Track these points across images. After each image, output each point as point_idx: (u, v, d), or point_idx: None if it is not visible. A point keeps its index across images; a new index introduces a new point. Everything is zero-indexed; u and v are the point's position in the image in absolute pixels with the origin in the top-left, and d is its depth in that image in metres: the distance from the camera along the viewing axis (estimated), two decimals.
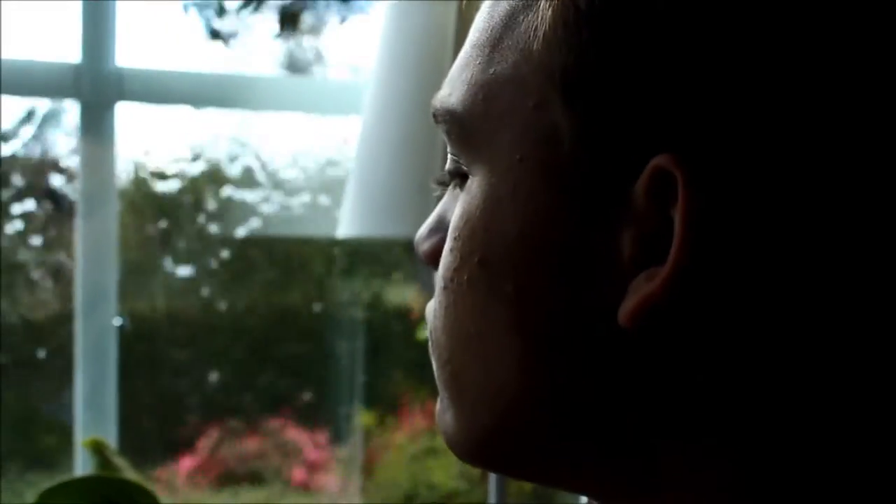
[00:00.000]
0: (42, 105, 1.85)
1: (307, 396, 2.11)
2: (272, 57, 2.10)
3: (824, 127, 0.43)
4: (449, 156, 0.54)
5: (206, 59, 2.04)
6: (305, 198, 2.02)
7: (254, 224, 2.01)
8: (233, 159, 2.01)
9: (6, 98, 1.80)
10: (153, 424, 2.00)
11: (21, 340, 1.86)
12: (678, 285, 0.44)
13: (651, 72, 0.45)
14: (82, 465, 1.69)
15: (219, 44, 2.03)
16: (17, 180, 1.85)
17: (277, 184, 2.02)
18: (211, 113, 1.97)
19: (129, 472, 1.00)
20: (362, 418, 2.11)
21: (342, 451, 2.11)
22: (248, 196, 2.00)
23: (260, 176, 2.02)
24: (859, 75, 0.44)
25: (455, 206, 0.53)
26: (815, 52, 0.44)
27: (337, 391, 2.10)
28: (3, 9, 1.69)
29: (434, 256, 0.55)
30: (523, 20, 0.49)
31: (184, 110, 1.95)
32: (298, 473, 2.07)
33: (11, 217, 1.85)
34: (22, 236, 1.87)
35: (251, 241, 2.03)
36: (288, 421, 2.08)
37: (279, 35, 2.02)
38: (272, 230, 2.03)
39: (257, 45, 2.06)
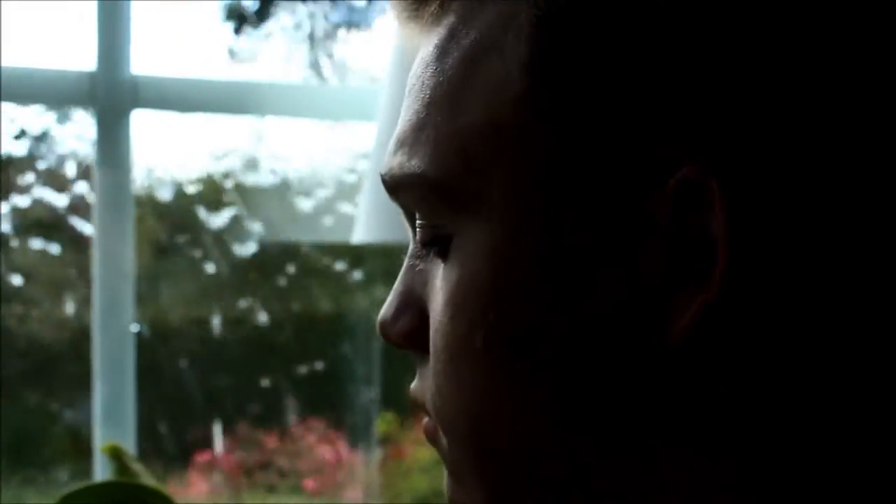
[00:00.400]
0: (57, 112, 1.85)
1: (325, 401, 2.11)
2: (288, 63, 2.10)
3: (849, 120, 0.43)
4: (420, 225, 0.51)
5: (222, 66, 2.05)
6: (322, 204, 2.02)
7: (270, 230, 2.01)
8: (249, 166, 2.02)
9: (22, 107, 1.80)
10: (171, 430, 2.00)
11: (40, 348, 1.87)
12: (723, 296, 0.43)
13: (655, 86, 0.43)
14: (101, 472, 1.69)
15: (237, 46, 2.03)
16: (33, 189, 1.86)
17: (294, 190, 2.02)
18: (227, 120, 1.98)
19: (147, 478, 1.00)
20: (380, 423, 2.11)
21: (360, 455, 2.11)
22: (265, 203, 2.00)
23: (276, 182, 2.02)
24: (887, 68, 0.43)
25: (424, 276, 0.51)
26: (832, 46, 0.43)
27: (354, 396, 2.10)
28: (16, 17, 1.70)
29: (410, 337, 0.52)
30: (487, 62, 0.47)
31: (199, 117, 1.95)
32: (315, 478, 2.08)
33: (28, 226, 1.86)
34: (39, 244, 1.88)
35: (268, 248, 2.03)
36: (305, 426, 2.08)
37: None
38: (288, 237, 2.03)
39: (274, 51, 2.06)
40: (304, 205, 2.01)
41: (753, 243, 0.43)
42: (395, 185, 0.52)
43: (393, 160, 0.52)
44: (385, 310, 0.54)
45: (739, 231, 0.43)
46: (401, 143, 0.51)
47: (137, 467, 1.02)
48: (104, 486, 0.94)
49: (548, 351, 0.46)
